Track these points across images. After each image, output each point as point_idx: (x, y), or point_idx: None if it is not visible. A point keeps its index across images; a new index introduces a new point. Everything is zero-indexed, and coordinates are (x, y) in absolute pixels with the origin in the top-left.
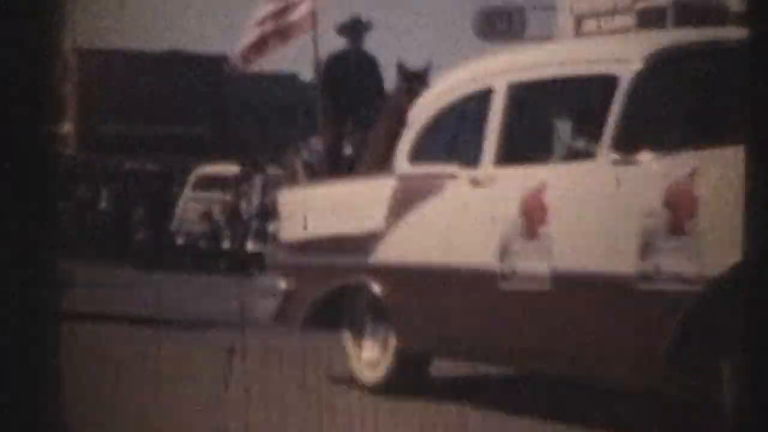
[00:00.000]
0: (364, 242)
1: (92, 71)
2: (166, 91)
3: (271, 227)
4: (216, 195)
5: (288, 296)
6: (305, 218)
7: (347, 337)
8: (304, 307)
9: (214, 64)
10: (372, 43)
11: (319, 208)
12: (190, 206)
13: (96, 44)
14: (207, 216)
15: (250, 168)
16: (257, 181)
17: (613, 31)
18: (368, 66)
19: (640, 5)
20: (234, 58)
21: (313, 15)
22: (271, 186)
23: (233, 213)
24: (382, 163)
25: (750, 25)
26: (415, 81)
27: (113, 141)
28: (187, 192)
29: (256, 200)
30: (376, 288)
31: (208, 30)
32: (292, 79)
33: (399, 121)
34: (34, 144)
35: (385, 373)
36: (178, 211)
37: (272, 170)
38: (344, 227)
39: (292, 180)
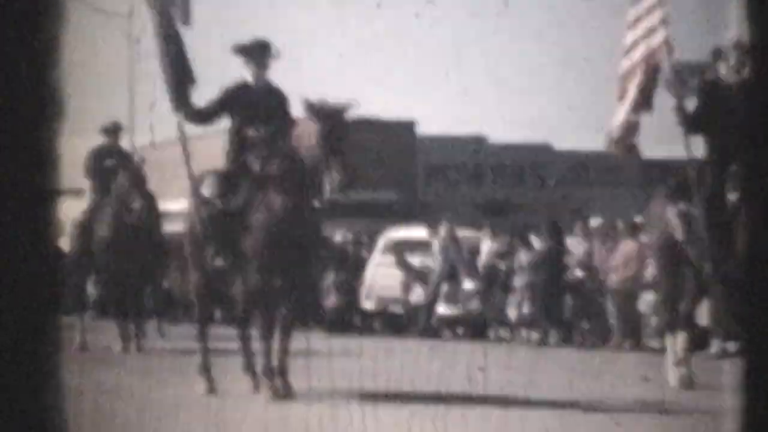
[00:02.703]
0: None
1: None
2: (356, 157)
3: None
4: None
5: None
6: None
7: None
8: None
9: (403, 129)
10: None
11: None
12: (381, 270)
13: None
14: (402, 281)
15: (444, 231)
16: (446, 243)
17: None
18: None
19: None
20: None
21: (667, 43)
22: (459, 248)
23: (422, 276)
24: None
25: (750, 26)
26: None
27: None
28: (377, 256)
29: (444, 263)
30: None
31: (395, 96)
32: (480, 140)
33: None
34: (36, 153)
35: None
36: (368, 275)
37: (461, 232)
38: None
39: (665, 233)
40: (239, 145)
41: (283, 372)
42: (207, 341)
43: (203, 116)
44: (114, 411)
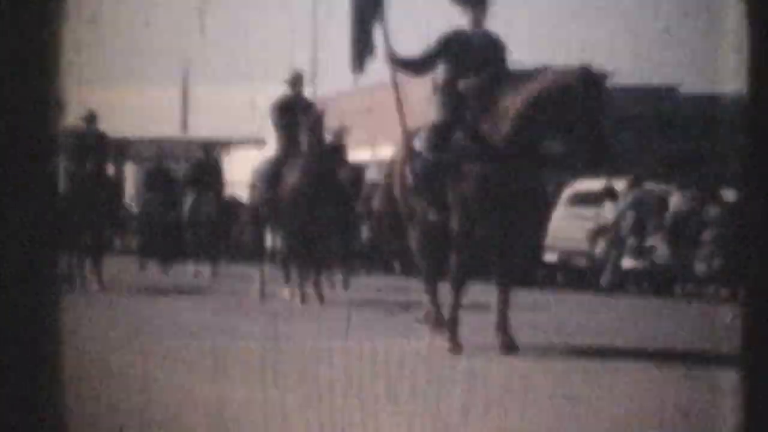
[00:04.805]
0: None
1: None
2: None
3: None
4: (591, 211)
5: None
6: None
7: None
8: None
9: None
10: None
11: None
12: (565, 222)
13: None
14: (589, 233)
15: (633, 182)
16: (633, 196)
17: None
18: None
19: None
20: None
21: None
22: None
23: (609, 229)
24: None
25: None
26: None
27: None
28: (561, 208)
29: (631, 216)
30: None
31: (581, 44)
32: (672, 91)
33: None
34: (36, 146)
35: None
36: (552, 227)
37: (650, 184)
38: None
39: None
40: (453, 95)
41: (505, 327)
42: (437, 295)
43: (418, 66)
44: (293, 361)
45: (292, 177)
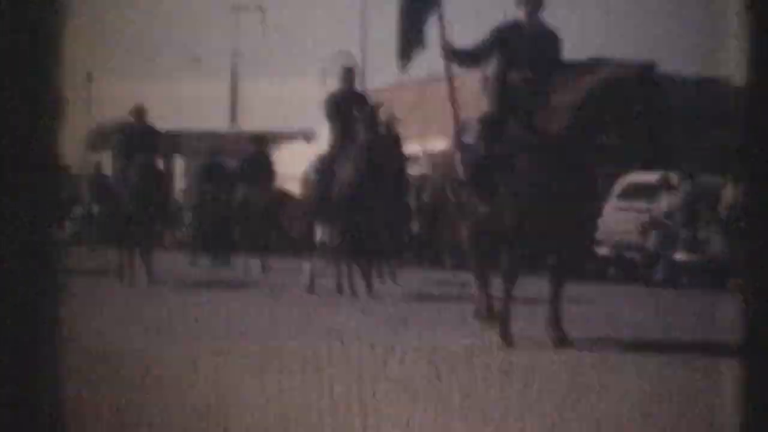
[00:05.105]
0: None
1: None
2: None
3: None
4: (643, 204)
5: None
6: None
7: None
8: None
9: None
10: None
11: None
12: (617, 215)
13: None
14: (641, 226)
15: (685, 175)
16: (686, 188)
17: None
18: None
19: None
20: None
21: None
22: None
23: (659, 222)
24: None
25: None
26: None
27: None
28: (613, 201)
29: (684, 209)
30: None
31: (633, 36)
32: (721, 83)
33: None
34: (35, 147)
35: None
36: (604, 219)
37: (702, 177)
38: None
39: None
40: (506, 87)
41: (557, 321)
42: (488, 289)
43: (473, 57)
44: (347, 353)
45: (346, 170)
